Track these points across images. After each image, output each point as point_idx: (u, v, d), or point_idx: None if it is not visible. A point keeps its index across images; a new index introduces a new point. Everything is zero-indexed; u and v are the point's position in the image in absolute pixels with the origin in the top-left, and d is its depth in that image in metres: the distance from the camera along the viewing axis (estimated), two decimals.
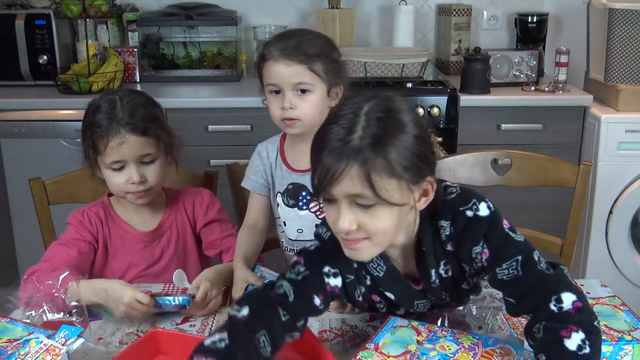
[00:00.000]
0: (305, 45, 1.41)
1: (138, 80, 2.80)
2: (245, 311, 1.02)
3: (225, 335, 0.97)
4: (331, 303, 1.21)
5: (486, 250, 1.07)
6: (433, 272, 1.12)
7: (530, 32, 2.96)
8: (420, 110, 2.49)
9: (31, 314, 1.23)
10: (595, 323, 1.01)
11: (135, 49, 2.79)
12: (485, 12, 3.10)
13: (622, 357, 1.09)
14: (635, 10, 2.46)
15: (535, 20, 2.93)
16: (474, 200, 1.09)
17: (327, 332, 1.22)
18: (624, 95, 2.49)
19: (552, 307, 1.02)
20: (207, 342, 0.97)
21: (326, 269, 1.12)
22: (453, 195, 1.11)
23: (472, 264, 1.10)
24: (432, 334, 1.10)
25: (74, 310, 1.20)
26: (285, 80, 1.40)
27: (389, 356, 1.04)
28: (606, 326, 1.18)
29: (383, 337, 1.09)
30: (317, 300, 1.09)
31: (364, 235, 1.02)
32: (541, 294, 1.03)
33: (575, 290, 1.03)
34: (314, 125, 1.34)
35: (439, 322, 1.18)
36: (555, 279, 1.05)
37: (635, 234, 2.59)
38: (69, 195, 1.67)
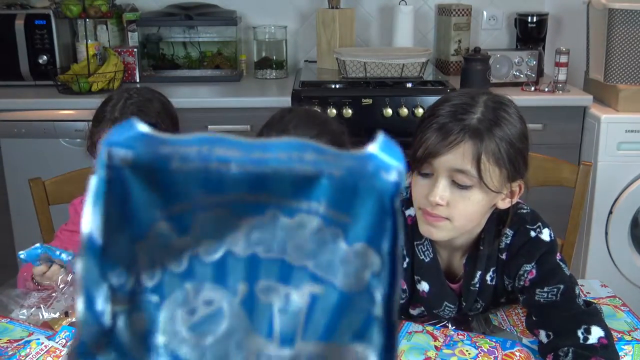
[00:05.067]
0: None
1: (138, 80, 2.80)
2: None
3: None
4: None
5: (534, 271, 1.10)
6: (479, 274, 1.13)
7: (530, 32, 2.96)
8: (420, 111, 2.49)
9: (23, 312, 1.23)
10: None
11: (135, 49, 2.78)
12: (485, 12, 3.10)
13: (622, 357, 1.09)
14: (635, 10, 2.46)
15: (535, 20, 2.93)
16: (540, 224, 1.14)
17: None
18: (624, 95, 2.49)
19: (580, 334, 1.03)
20: None
21: None
22: (524, 211, 1.15)
23: (514, 280, 1.12)
24: (448, 338, 1.09)
25: (69, 311, 1.20)
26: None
27: None
28: None
29: (400, 344, 1.07)
30: None
31: (446, 214, 1.04)
32: (571, 320, 1.06)
33: (605, 328, 1.05)
34: None
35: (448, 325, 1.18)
36: (589, 312, 1.08)
37: (635, 234, 2.59)
38: (69, 195, 1.67)
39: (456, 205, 1.03)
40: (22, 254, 1.23)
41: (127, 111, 1.40)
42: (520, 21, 2.97)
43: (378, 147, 0.28)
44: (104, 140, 0.28)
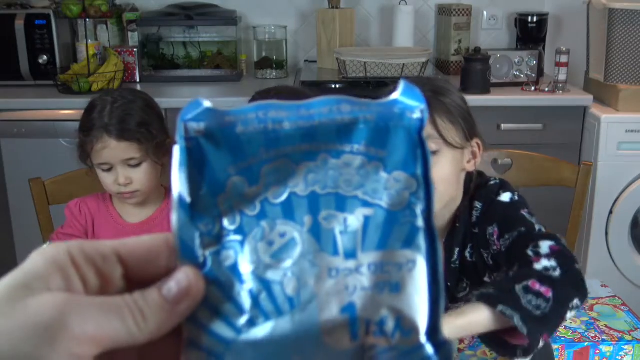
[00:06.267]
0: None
1: (138, 80, 2.80)
2: None
3: None
4: None
5: (496, 229, 1.11)
6: (457, 251, 1.15)
7: (530, 32, 2.96)
8: None
9: None
10: (577, 266, 0.99)
11: (135, 49, 2.78)
12: (485, 12, 3.10)
13: (622, 357, 1.09)
14: (635, 10, 2.46)
15: (535, 20, 2.93)
16: (501, 190, 1.18)
17: None
18: (624, 95, 2.49)
19: (529, 252, 1.01)
20: None
21: None
22: (492, 183, 1.20)
23: (489, 249, 1.13)
24: (474, 340, 1.09)
25: None
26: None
27: None
28: (606, 326, 1.18)
29: None
30: None
31: None
32: (522, 245, 1.04)
33: (556, 239, 1.03)
34: None
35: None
36: (541, 233, 1.06)
37: (635, 234, 2.59)
38: (69, 195, 1.67)
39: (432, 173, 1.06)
40: None
41: (115, 115, 1.41)
42: (521, 21, 2.97)
43: (400, 94, 0.35)
44: (179, 117, 0.34)
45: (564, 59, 2.61)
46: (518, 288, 0.93)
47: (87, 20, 2.66)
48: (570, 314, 0.94)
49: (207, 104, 0.35)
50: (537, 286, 0.93)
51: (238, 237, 0.33)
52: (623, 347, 1.11)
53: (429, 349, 0.33)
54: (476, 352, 1.06)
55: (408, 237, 0.34)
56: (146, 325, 0.31)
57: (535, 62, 2.70)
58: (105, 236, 1.51)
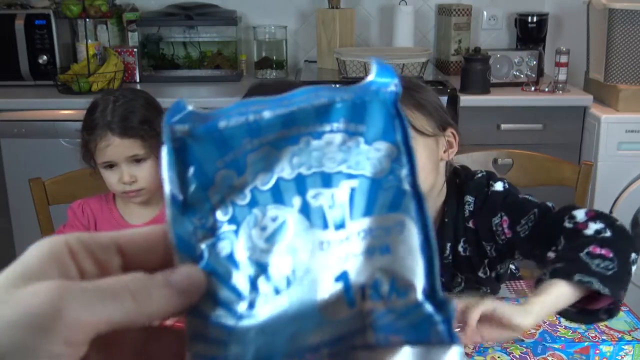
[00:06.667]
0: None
1: (138, 80, 2.80)
2: None
3: None
4: None
5: (505, 218, 1.12)
6: (449, 246, 1.16)
7: (530, 32, 2.96)
8: None
9: None
10: (618, 223, 1.01)
11: (135, 49, 2.79)
12: (485, 12, 3.10)
13: (622, 357, 1.09)
14: (635, 10, 2.46)
15: (535, 20, 2.93)
16: (491, 180, 1.19)
17: None
18: (624, 95, 2.49)
19: (568, 225, 1.04)
20: None
21: None
22: (479, 176, 1.21)
23: (494, 240, 1.13)
24: (478, 345, 1.09)
25: None
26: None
27: None
28: (606, 326, 1.18)
29: None
30: None
31: None
32: (554, 222, 1.06)
33: (587, 208, 1.06)
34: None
35: None
36: (567, 206, 1.08)
37: (635, 233, 2.59)
38: (69, 195, 1.67)
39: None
40: None
41: (117, 113, 1.41)
42: (521, 21, 2.97)
43: (375, 75, 0.37)
44: (164, 121, 0.35)
45: (563, 59, 2.61)
46: (583, 255, 0.96)
47: (87, 20, 2.66)
48: (634, 268, 0.99)
49: (190, 107, 0.36)
50: (598, 250, 0.96)
51: (232, 227, 0.34)
52: (623, 347, 1.11)
53: (428, 307, 0.33)
54: (486, 358, 1.05)
55: (394, 201, 0.35)
56: (148, 300, 0.31)
57: (535, 62, 2.70)
58: None
